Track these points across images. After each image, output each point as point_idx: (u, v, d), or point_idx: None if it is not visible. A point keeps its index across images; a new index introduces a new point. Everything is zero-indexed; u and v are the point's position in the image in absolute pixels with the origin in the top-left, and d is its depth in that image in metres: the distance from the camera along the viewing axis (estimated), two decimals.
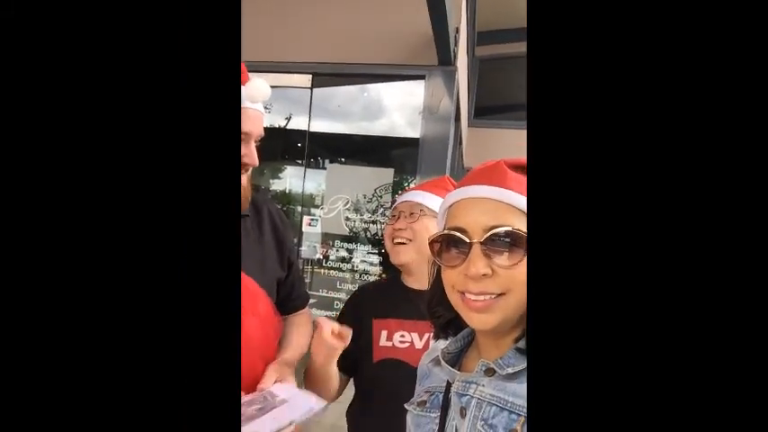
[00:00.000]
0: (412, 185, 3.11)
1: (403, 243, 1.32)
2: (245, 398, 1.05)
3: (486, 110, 8.26)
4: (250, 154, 1.11)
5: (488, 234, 0.66)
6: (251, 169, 1.17)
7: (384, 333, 1.31)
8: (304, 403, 1.07)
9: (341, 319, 1.38)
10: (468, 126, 7.73)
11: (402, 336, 1.29)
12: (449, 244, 0.71)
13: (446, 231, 0.71)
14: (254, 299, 1.14)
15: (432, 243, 0.74)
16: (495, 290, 0.67)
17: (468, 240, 0.68)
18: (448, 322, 0.81)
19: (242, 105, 1.10)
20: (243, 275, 1.13)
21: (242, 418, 0.96)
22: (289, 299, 1.35)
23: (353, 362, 1.28)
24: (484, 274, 0.66)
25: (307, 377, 1.26)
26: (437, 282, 0.79)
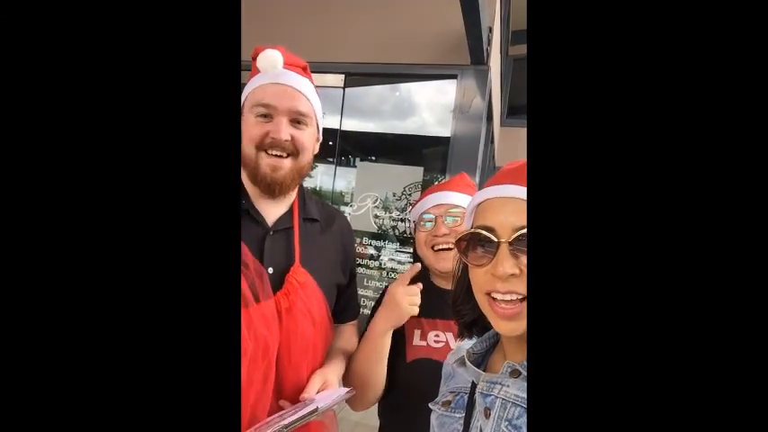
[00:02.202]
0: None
1: (449, 249, 1.30)
2: (286, 409, 1.05)
3: (519, 109, 8.18)
4: (274, 129, 1.10)
5: (517, 234, 0.66)
6: (300, 155, 1.14)
7: (417, 333, 1.30)
8: (330, 394, 1.07)
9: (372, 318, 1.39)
10: (501, 125, 7.66)
11: (437, 335, 1.28)
12: (476, 243, 0.71)
13: (474, 230, 0.71)
14: (311, 300, 1.14)
15: (459, 241, 0.74)
16: (523, 290, 0.66)
17: (496, 240, 0.67)
18: (473, 321, 0.81)
19: (264, 82, 1.11)
20: (307, 276, 1.13)
21: (274, 426, 0.96)
22: (347, 308, 1.35)
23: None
24: (512, 274, 0.66)
25: (353, 372, 1.26)
26: (462, 280, 0.79)
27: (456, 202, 1.34)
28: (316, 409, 0.99)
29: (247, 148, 1.11)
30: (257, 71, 1.14)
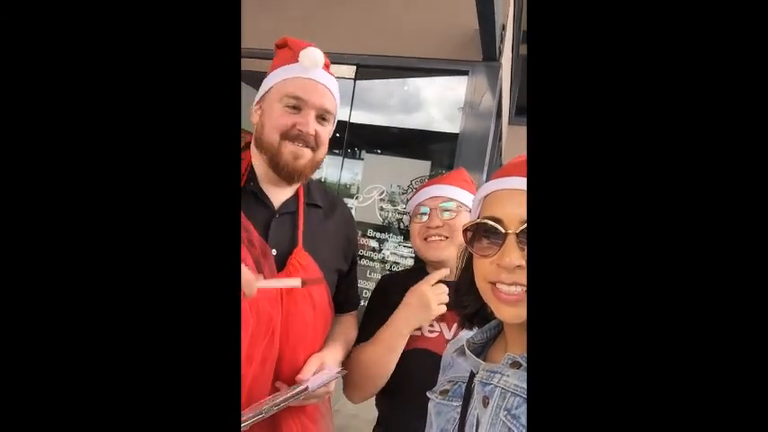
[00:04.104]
0: None
1: (440, 240, 1.31)
2: (281, 391, 1.06)
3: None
4: (302, 121, 1.15)
5: (524, 226, 0.66)
6: (319, 149, 1.20)
7: None
8: (323, 375, 1.09)
9: (369, 310, 1.40)
10: (510, 123, 7.65)
11: (431, 325, 1.28)
12: (483, 233, 0.71)
13: (482, 220, 0.71)
14: (312, 285, 1.15)
15: (465, 231, 0.74)
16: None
17: (503, 231, 0.68)
18: (475, 312, 0.81)
19: (298, 75, 1.17)
20: (309, 259, 1.16)
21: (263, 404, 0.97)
22: (347, 297, 1.37)
23: None
24: (518, 266, 0.66)
25: (362, 364, 1.26)
26: (466, 271, 0.79)
27: (451, 195, 1.34)
28: (306, 389, 1.01)
29: (271, 134, 1.16)
30: (285, 61, 1.19)
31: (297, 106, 1.16)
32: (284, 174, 1.17)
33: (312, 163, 1.20)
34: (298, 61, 1.17)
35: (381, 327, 1.25)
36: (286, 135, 1.15)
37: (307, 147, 1.17)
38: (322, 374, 1.10)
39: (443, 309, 1.19)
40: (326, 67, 1.22)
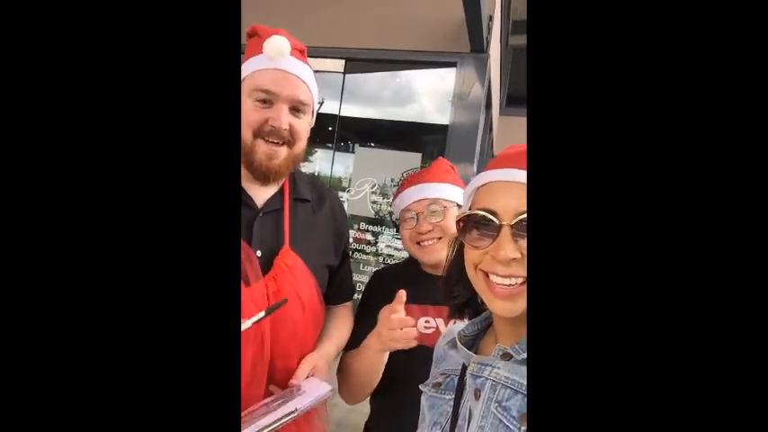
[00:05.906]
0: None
1: (434, 242, 1.29)
2: (273, 397, 1.05)
3: (518, 99, 8.15)
4: (274, 116, 1.08)
5: (519, 218, 0.66)
6: (296, 143, 1.13)
7: None
8: (316, 391, 1.06)
9: (362, 304, 1.38)
10: (500, 114, 7.66)
11: (427, 321, 1.27)
12: (476, 224, 0.70)
13: (476, 211, 0.70)
14: (300, 283, 1.12)
15: (457, 222, 0.73)
16: (524, 273, 0.66)
17: (498, 222, 0.67)
18: (465, 302, 0.81)
19: (267, 66, 1.09)
20: (296, 259, 1.12)
21: (261, 415, 0.95)
22: (340, 289, 1.32)
23: None
24: (513, 258, 0.66)
25: (350, 373, 1.24)
26: (456, 260, 0.79)
27: (436, 195, 1.32)
28: (294, 411, 0.98)
29: (244, 132, 1.08)
30: (255, 52, 1.11)
31: (267, 100, 1.08)
32: (258, 174, 1.11)
33: (289, 160, 1.13)
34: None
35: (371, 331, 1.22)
36: (259, 132, 1.08)
37: (282, 144, 1.10)
38: (310, 394, 1.05)
39: (395, 345, 1.07)
40: (301, 53, 1.15)
